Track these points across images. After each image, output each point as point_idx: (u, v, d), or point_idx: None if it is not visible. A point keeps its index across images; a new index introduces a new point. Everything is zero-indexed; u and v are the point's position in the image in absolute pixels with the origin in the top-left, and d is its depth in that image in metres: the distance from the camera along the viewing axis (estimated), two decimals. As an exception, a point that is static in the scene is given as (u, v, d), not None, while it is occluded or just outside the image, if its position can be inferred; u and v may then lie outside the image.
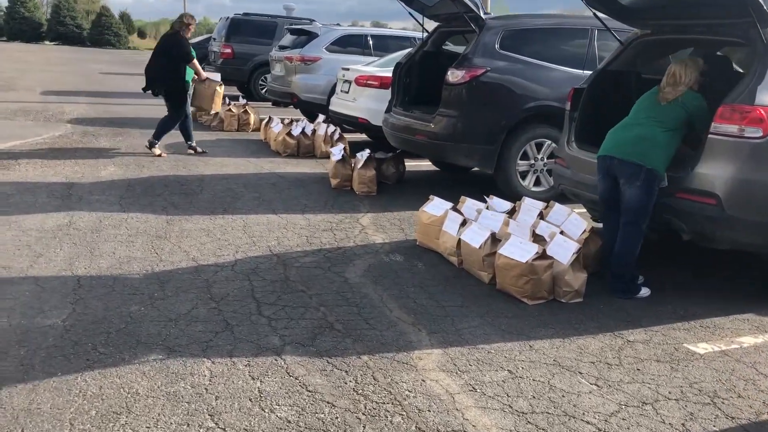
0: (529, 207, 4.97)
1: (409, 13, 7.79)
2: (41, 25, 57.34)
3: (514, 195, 6.68)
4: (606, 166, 4.34)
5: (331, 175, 7.18)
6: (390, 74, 9.12)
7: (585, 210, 5.57)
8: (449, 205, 4.99)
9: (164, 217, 5.58)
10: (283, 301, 3.94)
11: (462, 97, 6.50)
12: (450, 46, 8.45)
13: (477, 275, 4.45)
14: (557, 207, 4.99)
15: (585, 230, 4.53)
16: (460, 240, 4.59)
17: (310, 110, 11.86)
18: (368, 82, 9.31)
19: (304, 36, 12.48)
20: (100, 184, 6.65)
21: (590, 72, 6.86)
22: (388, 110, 7.80)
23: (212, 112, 10.37)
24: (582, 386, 3.12)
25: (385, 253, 4.97)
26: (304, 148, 9.18)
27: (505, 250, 4.15)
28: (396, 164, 7.50)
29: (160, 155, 8.27)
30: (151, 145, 8.34)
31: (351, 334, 3.54)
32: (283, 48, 12.85)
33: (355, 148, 7.94)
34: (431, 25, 7.96)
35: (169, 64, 8.22)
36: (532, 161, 6.73)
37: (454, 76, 6.52)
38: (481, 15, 6.66)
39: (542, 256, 4.05)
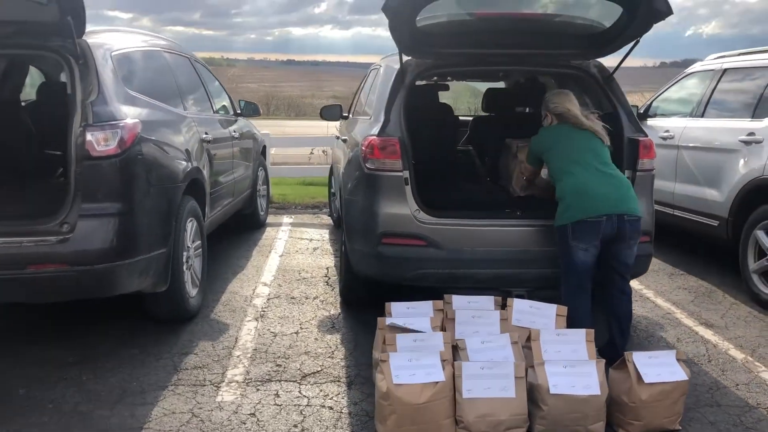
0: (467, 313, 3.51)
1: None
2: None
3: (182, 311, 4.29)
4: (602, 229, 3.46)
5: None
6: None
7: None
8: (434, 358, 2.96)
9: None
10: None
11: (121, 176, 3.54)
12: None
13: (591, 435, 2.98)
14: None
15: (557, 314, 3.62)
16: (552, 396, 2.89)
17: None
18: None
19: None
20: None
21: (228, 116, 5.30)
22: None
23: None
24: None
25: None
26: None
27: (651, 375, 2.99)
28: None
29: None
30: None
31: None
32: None
33: None
34: None
35: None
36: (186, 250, 4.35)
37: (100, 141, 3.45)
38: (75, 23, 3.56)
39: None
